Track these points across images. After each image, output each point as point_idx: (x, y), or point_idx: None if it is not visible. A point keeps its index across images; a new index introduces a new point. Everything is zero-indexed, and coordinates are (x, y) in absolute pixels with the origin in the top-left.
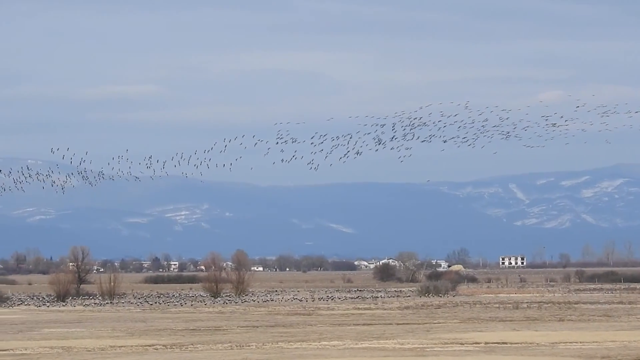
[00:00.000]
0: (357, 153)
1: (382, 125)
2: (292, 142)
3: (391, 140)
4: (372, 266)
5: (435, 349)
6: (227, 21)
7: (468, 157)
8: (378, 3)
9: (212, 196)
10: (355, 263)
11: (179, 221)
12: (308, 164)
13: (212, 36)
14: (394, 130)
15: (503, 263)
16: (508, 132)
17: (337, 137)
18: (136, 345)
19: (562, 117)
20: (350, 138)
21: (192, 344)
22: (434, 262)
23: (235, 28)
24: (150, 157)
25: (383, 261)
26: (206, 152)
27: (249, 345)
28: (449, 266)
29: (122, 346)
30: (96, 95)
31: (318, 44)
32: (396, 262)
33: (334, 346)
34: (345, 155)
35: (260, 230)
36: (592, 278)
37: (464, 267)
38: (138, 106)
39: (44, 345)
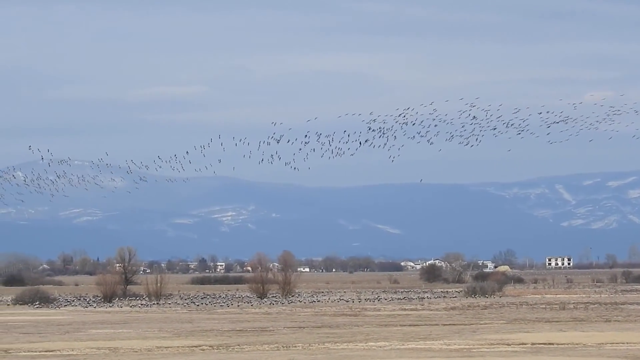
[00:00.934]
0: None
1: (428, 126)
2: (339, 142)
3: (445, 141)
4: (418, 267)
5: (481, 350)
6: (274, 23)
7: (514, 157)
8: (426, 5)
9: (259, 197)
10: (402, 264)
11: (226, 222)
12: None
13: (260, 37)
14: (437, 133)
15: (549, 264)
16: (553, 133)
17: (381, 137)
18: (183, 346)
19: (609, 117)
20: (395, 139)
21: (238, 345)
22: (480, 263)
23: (283, 30)
24: (195, 158)
25: (429, 262)
26: (250, 153)
27: (295, 346)
28: (495, 267)
29: (168, 347)
30: (144, 97)
31: (365, 45)
32: (442, 263)
33: (380, 347)
34: (390, 157)
35: (306, 231)
36: (639, 279)
37: (511, 268)
38: (187, 107)
39: (91, 346)
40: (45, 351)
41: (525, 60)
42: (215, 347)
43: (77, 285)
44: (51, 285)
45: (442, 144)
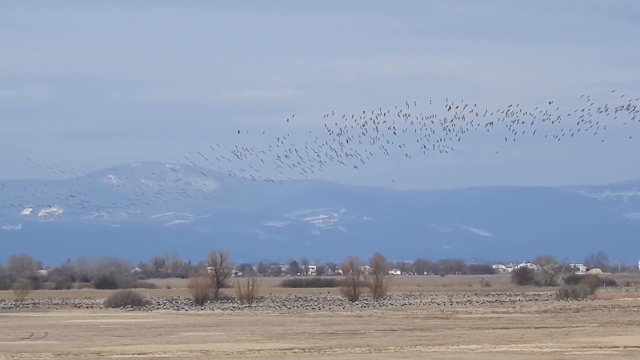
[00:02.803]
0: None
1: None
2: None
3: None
4: (510, 270)
5: (573, 353)
6: (366, 24)
7: (605, 160)
8: (520, 7)
9: (350, 200)
10: (493, 267)
11: (317, 225)
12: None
13: (351, 39)
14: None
15: None
16: None
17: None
18: (275, 349)
19: None
20: (484, 142)
21: (330, 348)
22: (572, 265)
23: (375, 31)
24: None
25: (521, 265)
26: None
27: (387, 349)
28: (587, 270)
29: (260, 350)
30: (236, 100)
31: (457, 47)
32: (534, 265)
33: (472, 350)
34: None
35: (398, 234)
36: None
37: (603, 271)
38: (278, 110)
39: (183, 349)
40: (138, 354)
41: (620, 62)
42: (306, 350)
43: (169, 288)
44: (143, 288)
45: (533, 145)
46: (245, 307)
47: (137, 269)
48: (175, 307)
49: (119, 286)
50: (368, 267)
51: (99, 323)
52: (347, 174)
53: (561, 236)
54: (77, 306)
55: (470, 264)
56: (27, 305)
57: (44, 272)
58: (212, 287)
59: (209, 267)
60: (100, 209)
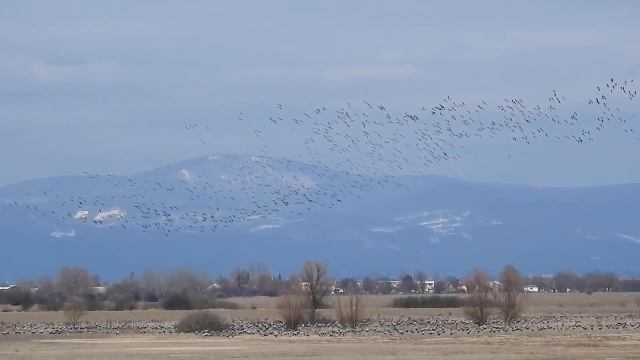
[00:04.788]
0: None
1: None
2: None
3: None
4: None
5: None
6: None
7: None
8: None
9: (476, 200)
10: None
11: (436, 231)
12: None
13: (477, 11)
14: None
15: None
16: None
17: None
18: None
19: None
20: None
21: None
22: None
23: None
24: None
25: None
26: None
27: None
28: None
29: None
30: (341, 80)
31: (600, 17)
32: None
33: None
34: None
35: (535, 242)
36: None
37: None
38: (392, 91)
39: None
40: None
41: None
42: None
43: (254, 308)
44: (223, 309)
45: None
46: (348, 331)
47: (215, 285)
48: (263, 332)
49: (194, 306)
50: (498, 282)
51: (168, 352)
52: (472, 168)
53: None
54: (142, 331)
55: (623, 278)
56: (81, 330)
57: (101, 288)
58: (307, 307)
59: (303, 283)
60: (170, 212)
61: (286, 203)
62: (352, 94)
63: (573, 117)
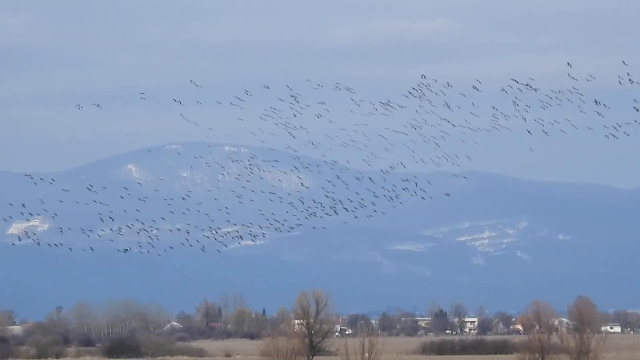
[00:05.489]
0: None
1: None
2: None
3: None
4: None
5: None
6: None
7: None
8: None
9: (536, 206)
10: None
11: (480, 249)
12: None
13: None
14: None
15: None
16: None
17: None
18: None
19: None
20: None
21: None
22: None
23: None
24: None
25: None
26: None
27: None
28: None
29: None
30: (348, 40)
31: None
32: None
33: None
34: None
35: (617, 264)
36: None
37: None
38: (422, 53)
39: None
40: None
41: None
42: None
43: (228, 356)
44: (186, 357)
45: None
46: None
47: (174, 323)
48: None
49: (144, 353)
50: (566, 319)
51: None
52: (531, 161)
53: None
54: None
55: None
56: None
57: (17, 328)
58: (302, 354)
59: (296, 321)
60: (111, 223)
61: (273, 214)
62: (363, 59)
63: None
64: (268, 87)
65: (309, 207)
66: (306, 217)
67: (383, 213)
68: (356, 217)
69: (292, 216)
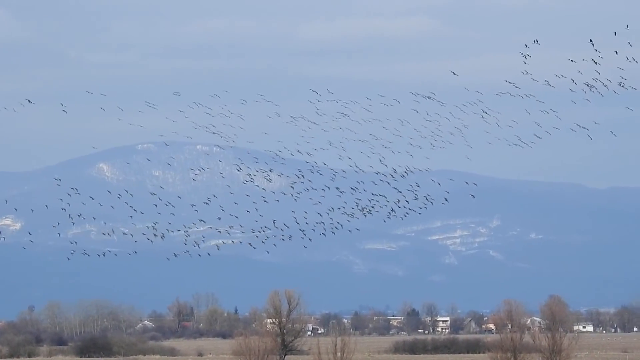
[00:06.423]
0: None
1: None
2: None
3: None
4: None
5: None
6: None
7: None
8: None
9: (508, 205)
10: None
11: (452, 248)
12: None
13: None
14: None
15: None
16: None
17: None
18: None
19: None
20: None
21: None
22: None
23: None
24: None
25: None
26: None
27: None
28: None
29: None
30: (324, 38)
31: None
32: None
33: None
34: None
35: (591, 263)
36: None
37: None
38: (401, 52)
39: None
40: None
41: None
42: None
43: (200, 355)
44: (158, 356)
45: None
46: None
47: (146, 322)
48: None
49: (116, 352)
50: (538, 319)
51: None
52: (504, 159)
53: None
54: None
55: None
56: None
57: None
58: (274, 353)
59: (269, 320)
60: (83, 222)
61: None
62: (339, 57)
63: None
64: (227, 92)
65: (282, 206)
66: (274, 220)
67: (354, 215)
68: (331, 218)
69: (260, 216)
